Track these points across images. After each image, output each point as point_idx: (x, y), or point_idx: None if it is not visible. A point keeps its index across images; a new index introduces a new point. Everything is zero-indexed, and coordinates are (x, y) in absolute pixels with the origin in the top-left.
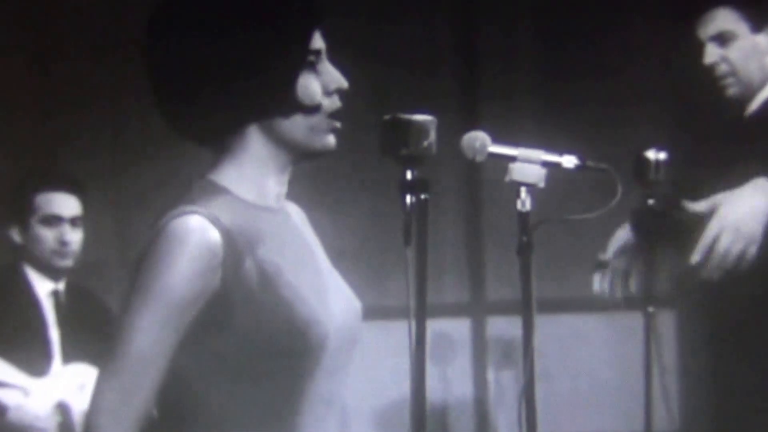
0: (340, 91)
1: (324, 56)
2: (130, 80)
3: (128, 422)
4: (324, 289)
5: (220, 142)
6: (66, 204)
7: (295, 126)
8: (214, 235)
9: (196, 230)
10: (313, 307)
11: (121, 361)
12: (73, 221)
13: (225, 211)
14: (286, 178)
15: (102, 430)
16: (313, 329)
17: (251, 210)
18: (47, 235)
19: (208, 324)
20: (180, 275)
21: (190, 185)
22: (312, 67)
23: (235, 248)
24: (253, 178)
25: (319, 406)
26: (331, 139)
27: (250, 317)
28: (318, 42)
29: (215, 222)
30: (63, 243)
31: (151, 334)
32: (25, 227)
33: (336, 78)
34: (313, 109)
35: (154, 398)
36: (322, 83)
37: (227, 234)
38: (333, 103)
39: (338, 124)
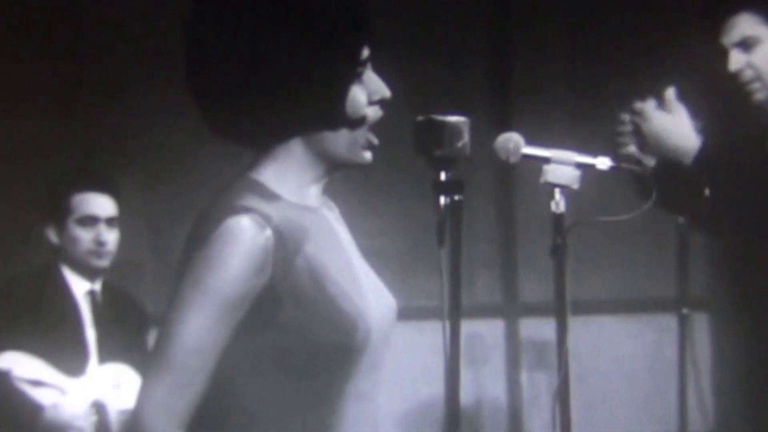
0: (383, 101)
1: (368, 64)
2: (165, 80)
3: (177, 419)
4: (363, 286)
5: (264, 146)
6: (102, 204)
7: (339, 140)
8: (267, 234)
9: (250, 229)
10: (357, 304)
11: (172, 358)
12: (109, 221)
13: (272, 209)
14: (324, 183)
15: (150, 426)
16: (358, 326)
17: (295, 209)
18: (84, 235)
19: (255, 320)
20: (234, 273)
21: (232, 183)
22: (359, 78)
23: (286, 246)
24: (295, 182)
25: (356, 404)
26: (368, 155)
27: (298, 314)
28: (365, 51)
29: (268, 220)
30: (99, 243)
31: (203, 331)
32: (61, 228)
33: (380, 88)
34: (358, 121)
35: (203, 396)
36: (366, 93)
37: (278, 232)
38: (375, 112)
39: (376, 141)
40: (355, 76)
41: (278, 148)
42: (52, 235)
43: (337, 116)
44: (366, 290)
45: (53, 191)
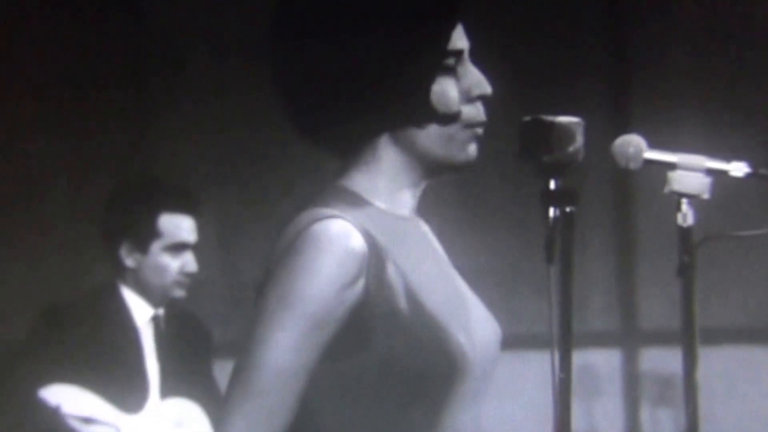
0: (483, 98)
1: (466, 57)
2: (238, 91)
3: None
4: (464, 307)
5: (351, 150)
6: (190, 228)
7: (431, 137)
8: (359, 241)
9: (341, 235)
10: (457, 326)
11: (254, 381)
12: (194, 247)
13: (363, 216)
14: (420, 191)
15: None
16: (458, 350)
17: (387, 218)
18: (171, 264)
19: (347, 340)
20: (324, 283)
21: (320, 191)
22: (451, 70)
23: (378, 255)
24: (387, 189)
25: None
26: (471, 151)
27: (393, 332)
28: (459, 42)
29: (359, 227)
30: (186, 274)
31: (289, 349)
32: (144, 252)
33: (478, 82)
34: (451, 117)
35: (289, 426)
36: (462, 88)
37: (370, 240)
38: (474, 111)
39: (479, 131)
40: (442, 68)
41: (367, 151)
42: (127, 257)
43: (423, 110)
44: (469, 312)
45: (137, 208)
